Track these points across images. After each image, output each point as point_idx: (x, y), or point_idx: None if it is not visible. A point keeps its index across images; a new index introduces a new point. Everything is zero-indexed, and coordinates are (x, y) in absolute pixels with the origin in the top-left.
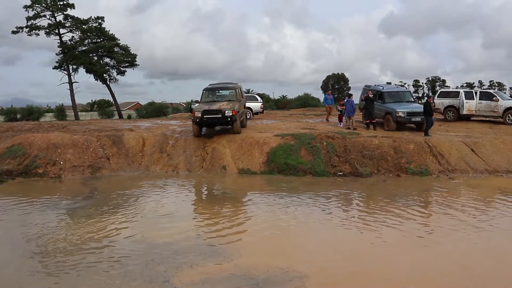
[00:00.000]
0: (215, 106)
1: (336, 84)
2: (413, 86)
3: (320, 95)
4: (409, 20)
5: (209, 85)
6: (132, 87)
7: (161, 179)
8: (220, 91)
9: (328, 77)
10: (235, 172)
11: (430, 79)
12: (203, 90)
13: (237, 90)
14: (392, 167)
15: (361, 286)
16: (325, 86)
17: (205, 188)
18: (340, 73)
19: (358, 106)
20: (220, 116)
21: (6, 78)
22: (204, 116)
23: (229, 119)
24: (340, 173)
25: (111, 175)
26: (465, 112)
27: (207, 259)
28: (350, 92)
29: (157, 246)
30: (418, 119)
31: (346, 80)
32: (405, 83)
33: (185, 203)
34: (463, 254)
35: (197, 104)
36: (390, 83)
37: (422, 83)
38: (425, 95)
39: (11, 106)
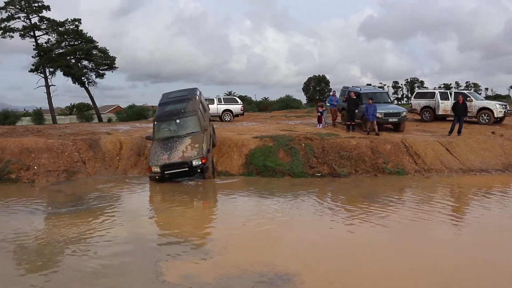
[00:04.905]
0: (177, 154)
1: (317, 86)
2: (393, 87)
3: (302, 97)
4: (388, 23)
5: (160, 104)
6: (114, 90)
7: (138, 182)
8: (177, 120)
9: (310, 79)
10: None
11: (409, 80)
12: (154, 121)
13: (199, 111)
14: (369, 167)
15: (350, 281)
16: (306, 88)
17: (185, 190)
18: (321, 75)
19: (337, 107)
20: (187, 168)
21: None
22: (166, 172)
23: (199, 170)
24: (319, 174)
25: (87, 179)
26: (440, 112)
27: (191, 257)
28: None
29: (142, 244)
30: (395, 119)
31: (327, 82)
32: (385, 85)
33: (166, 204)
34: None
35: (151, 150)
36: (370, 85)
37: (401, 84)
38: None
39: None
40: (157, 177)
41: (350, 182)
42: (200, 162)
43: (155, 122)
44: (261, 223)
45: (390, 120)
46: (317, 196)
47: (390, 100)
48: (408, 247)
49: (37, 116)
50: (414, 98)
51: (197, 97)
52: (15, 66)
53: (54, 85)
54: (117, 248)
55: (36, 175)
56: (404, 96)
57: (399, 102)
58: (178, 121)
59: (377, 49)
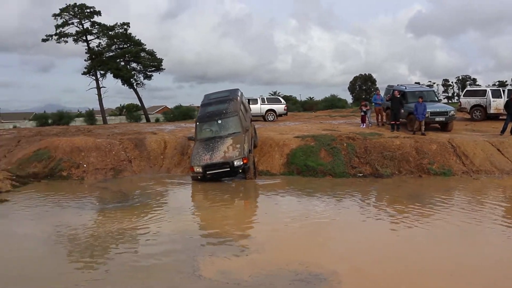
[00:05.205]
0: (219, 154)
1: (363, 85)
2: (443, 85)
3: (347, 97)
4: (438, 19)
5: (202, 105)
6: (162, 91)
7: (181, 181)
8: (219, 121)
9: (356, 78)
10: None
11: (460, 78)
12: (196, 122)
13: (240, 112)
14: (413, 168)
15: (388, 282)
16: (352, 87)
17: (227, 189)
18: (367, 74)
19: (382, 106)
20: (229, 169)
21: (40, 85)
22: (207, 172)
23: (240, 170)
24: (360, 174)
25: (133, 177)
26: (492, 111)
27: (228, 253)
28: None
29: (183, 240)
30: (442, 119)
31: (373, 81)
32: (434, 83)
33: (208, 203)
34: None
35: (193, 150)
36: (418, 83)
37: (452, 82)
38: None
39: (44, 111)
40: (199, 177)
41: (393, 183)
42: (242, 163)
43: (197, 123)
44: (301, 223)
45: (437, 119)
46: (359, 196)
47: (437, 98)
48: (451, 250)
49: (89, 116)
50: (463, 96)
51: (238, 98)
52: (70, 70)
53: (104, 87)
54: (159, 242)
55: (85, 173)
56: (455, 94)
57: (450, 101)
58: (219, 121)
59: (426, 46)
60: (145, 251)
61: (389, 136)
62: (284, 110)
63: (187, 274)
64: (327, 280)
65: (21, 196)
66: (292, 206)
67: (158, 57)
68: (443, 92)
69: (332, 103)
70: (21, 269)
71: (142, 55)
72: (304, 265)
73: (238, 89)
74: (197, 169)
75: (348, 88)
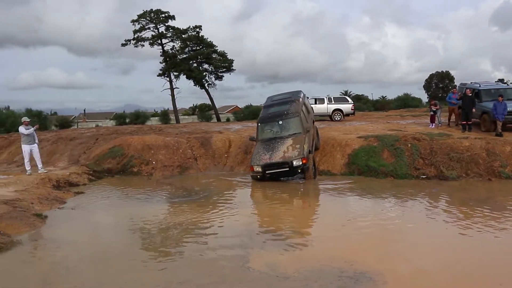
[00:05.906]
0: (278, 154)
1: (440, 83)
2: None
3: (422, 95)
4: None
5: (264, 107)
6: (234, 91)
7: (243, 179)
8: (280, 121)
9: (432, 76)
10: None
11: None
12: (257, 123)
13: (301, 113)
14: (483, 171)
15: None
16: (427, 86)
17: (285, 188)
18: (444, 71)
19: (456, 105)
20: (288, 168)
21: (122, 86)
22: (267, 172)
23: (300, 170)
24: (423, 176)
25: (198, 175)
26: None
27: (278, 248)
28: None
29: (239, 233)
30: None
31: (451, 78)
32: None
33: (266, 200)
34: None
35: (254, 150)
36: (502, 80)
37: None
38: None
39: (123, 111)
40: (258, 176)
41: (459, 186)
42: (301, 163)
43: (259, 124)
44: (357, 223)
45: None
46: (421, 198)
47: None
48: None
49: (163, 116)
50: None
51: (300, 99)
52: (147, 71)
53: (177, 88)
54: (216, 234)
55: (153, 169)
56: None
57: None
58: (280, 122)
59: None
60: (202, 242)
61: (458, 137)
62: (351, 109)
63: (237, 265)
64: (372, 279)
65: (96, 189)
66: (350, 206)
67: (229, 58)
68: None
69: (405, 102)
70: (95, 253)
71: (214, 56)
72: (349, 263)
73: (300, 91)
74: (257, 169)
75: (424, 86)
